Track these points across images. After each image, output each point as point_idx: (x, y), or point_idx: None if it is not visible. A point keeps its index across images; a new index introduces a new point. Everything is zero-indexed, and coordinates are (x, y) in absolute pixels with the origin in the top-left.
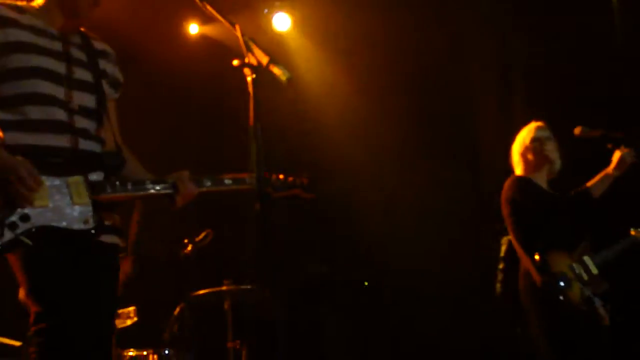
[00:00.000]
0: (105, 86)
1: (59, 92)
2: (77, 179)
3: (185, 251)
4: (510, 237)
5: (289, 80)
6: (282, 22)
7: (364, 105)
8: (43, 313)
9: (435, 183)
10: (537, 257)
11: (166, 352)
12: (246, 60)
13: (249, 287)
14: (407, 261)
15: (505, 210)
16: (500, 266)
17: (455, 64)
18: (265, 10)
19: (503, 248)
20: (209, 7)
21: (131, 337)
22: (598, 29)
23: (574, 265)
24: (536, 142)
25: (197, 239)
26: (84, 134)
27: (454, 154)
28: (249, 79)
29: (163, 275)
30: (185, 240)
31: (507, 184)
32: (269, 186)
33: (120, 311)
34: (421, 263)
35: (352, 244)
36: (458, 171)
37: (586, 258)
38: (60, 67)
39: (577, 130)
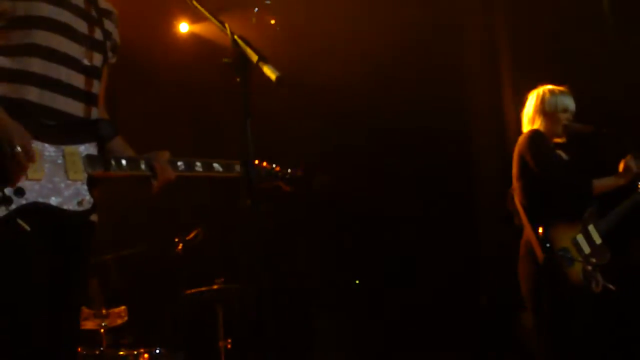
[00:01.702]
0: (108, 47)
1: (74, 50)
2: (74, 150)
3: (176, 250)
4: (516, 202)
5: (279, 78)
6: (270, 20)
7: (355, 99)
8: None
9: (428, 174)
10: (540, 230)
11: (157, 351)
12: (236, 58)
13: (239, 285)
14: (399, 255)
15: (516, 169)
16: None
17: (443, 44)
18: (256, 9)
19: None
20: (198, 6)
21: (122, 336)
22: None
23: (578, 237)
24: (565, 114)
25: (187, 238)
26: (91, 97)
27: (445, 143)
28: (238, 78)
29: (154, 275)
30: (176, 239)
31: (522, 139)
32: (255, 175)
33: (111, 311)
34: (414, 258)
35: (343, 241)
36: (450, 160)
37: (591, 227)
38: (78, 23)
39: (567, 127)
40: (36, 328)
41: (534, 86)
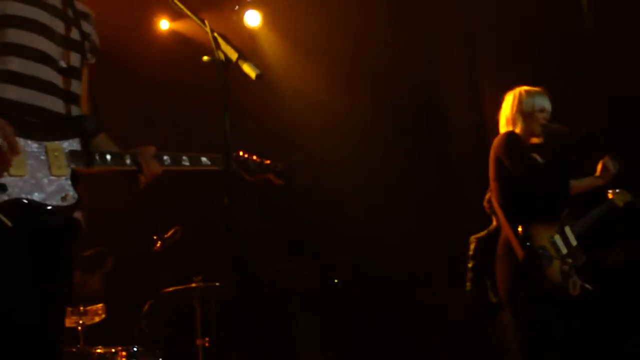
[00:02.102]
0: (86, 48)
1: (51, 48)
2: (57, 145)
3: (154, 248)
4: (494, 203)
5: (258, 76)
6: (252, 18)
7: (334, 98)
8: None
9: (409, 173)
10: (520, 229)
11: (135, 349)
12: (216, 56)
13: (217, 284)
14: (381, 254)
15: (492, 171)
16: (469, 265)
17: (422, 50)
18: (236, 7)
19: (472, 246)
20: (178, 4)
21: (99, 334)
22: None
23: (555, 238)
24: (542, 114)
25: (165, 236)
26: (71, 95)
27: (425, 142)
28: (218, 75)
29: (132, 272)
30: (154, 237)
31: (497, 140)
32: (244, 168)
33: (88, 308)
34: (396, 256)
35: (325, 238)
36: (430, 158)
37: (567, 229)
38: (53, 22)
39: (544, 127)
40: (21, 326)
41: (511, 87)
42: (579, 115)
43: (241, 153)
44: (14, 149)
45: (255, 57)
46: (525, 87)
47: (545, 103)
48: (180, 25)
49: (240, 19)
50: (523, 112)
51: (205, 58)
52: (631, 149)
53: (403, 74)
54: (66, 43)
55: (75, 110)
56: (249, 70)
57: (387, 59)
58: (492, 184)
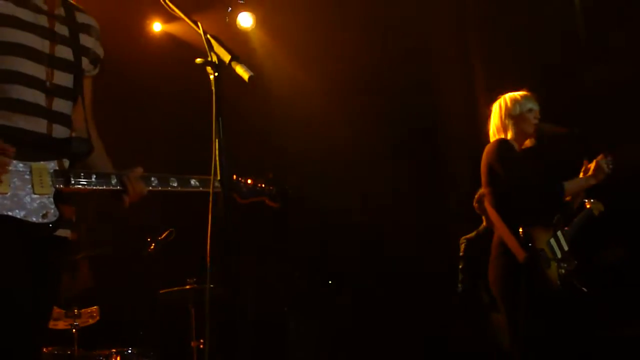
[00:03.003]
0: (85, 62)
1: (38, 71)
2: (42, 166)
3: (148, 250)
4: (487, 206)
5: (251, 78)
6: (245, 20)
7: (327, 98)
8: None
9: (402, 178)
10: (520, 231)
11: (129, 351)
12: (208, 58)
13: (212, 285)
14: (374, 258)
15: (484, 178)
16: (460, 265)
17: (419, 53)
18: (229, 9)
19: (462, 247)
20: (171, 5)
21: (94, 336)
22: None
23: (551, 241)
24: (531, 114)
25: (160, 238)
26: (59, 117)
27: (420, 142)
28: (211, 77)
29: (126, 274)
30: (148, 239)
31: (488, 148)
32: (236, 191)
33: (83, 310)
34: (388, 258)
35: (317, 242)
36: (423, 161)
37: (559, 234)
38: (41, 44)
39: (538, 126)
40: (6, 338)
41: (506, 90)
42: (573, 117)
43: (234, 177)
44: (5, 170)
45: (248, 59)
46: (510, 93)
47: (531, 103)
48: (173, 27)
49: (233, 21)
50: (512, 116)
51: (198, 60)
52: (626, 148)
53: (397, 75)
54: (57, 64)
55: (58, 130)
56: (242, 72)
57: (381, 60)
58: (485, 189)
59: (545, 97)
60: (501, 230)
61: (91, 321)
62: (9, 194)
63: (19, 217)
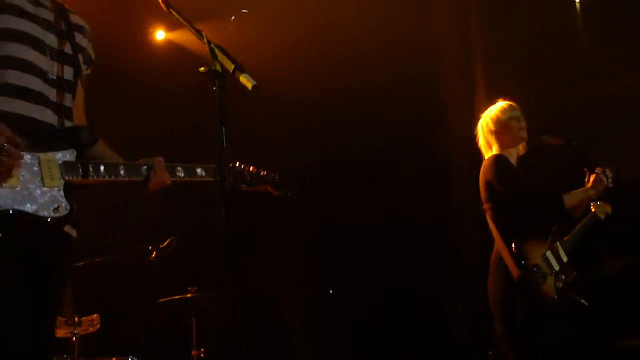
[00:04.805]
0: (81, 60)
1: (41, 60)
2: (50, 157)
3: (150, 258)
4: (489, 223)
5: (255, 88)
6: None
7: (330, 106)
8: None
9: (406, 181)
10: (513, 247)
11: (129, 359)
12: (212, 67)
13: (213, 294)
14: (374, 261)
15: (483, 194)
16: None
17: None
18: (232, 18)
19: None
20: (176, 14)
21: (95, 344)
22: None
23: (547, 254)
24: (513, 120)
25: (161, 246)
26: (62, 108)
27: (423, 149)
28: (214, 87)
29: (127, 282)
30: (150, 247)
31: (485, 165)
32: (241, 180)
33: (84, 318)
34: (388, 263)
35: (320, 246)
36: (428, 168)
37: (557, 245)
38: (44, 35)
39: (538, 140)
40: (12, 336)
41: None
42: (573, 128)
43: (237, 164)
44: (18, 162)
45: (251, 68)
46: (489, 109)
47: (512, 112)
48: (176, 36)
49: (236, 30)
50: (495, 130)
51: (201, 69)
52: (625, 161)
53: (400, 77)
54: (57, 56)
55: (62, 121)
56: (245, 81)
57: (384, 65)
58: (485, 205)
59: (546, 109)
60: (499, 245)
61: (91, 329)
62: (19, 187)
63: (30, 211)
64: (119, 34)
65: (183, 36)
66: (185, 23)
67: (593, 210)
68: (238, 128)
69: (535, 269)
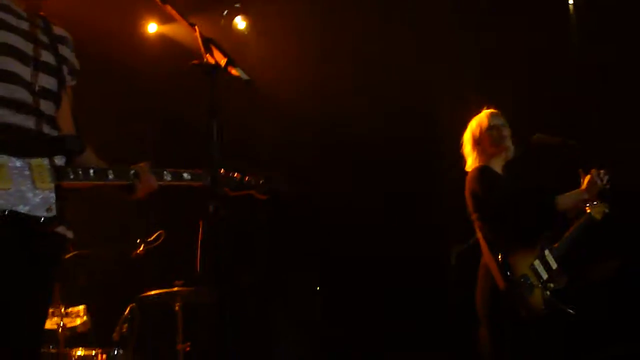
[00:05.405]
0: (65, 71)
1: (24, 72)
2: (40, 162)
3: (137, 251)
4: (476, 230)
5: (247, 82)
6: (242, 23)
7: (324, 105)
8: None
9: (399, 181)
10: (499, 258)
11: (115, 352)
12: (205, 61)
13: (199, 288)
14: (367, 259)
15: (469, 205)
16: (451, 276)
17: (415, 62)
18: (225, 12)
19: (453, 258)
20: (169, 7)
21: (80, 336)
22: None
23: (535, 263)
24: (493, 130)
25: (149, 240)
26: (47, 117)
27: (416, 150)
28: (207, 80)
29: (114, 275)
30: (137, 241)
31: (470, 176)
32: (225, 185)
33: (69, 310)
34: (381, 261)
35: (310, 243)
36: (422, 168)
37: (546, 252)
38: (26, 47)
39: (534, 138)
40: (3, 324)
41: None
42: (569, 131)
43: (222, 171)
44: None
45: (243, 62)
46: (473, 118)
47: (492, 121)
48: (168, 29)
49: (229, 24)
50: (475, 141)
51: (193, 62)
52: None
53: (396, 79)
54: (41, 66)
55: (48, 130)
56: (238, 75)
57: (380, 64)
58: (472, 215)
59: (541, 109)
60: (486, 255)
61: (78, 320)
62: (11, 189)
63: (23, 211)
64: (111, 26)
65: (175, 29)
66: (177, 16)
67: (588, 211)
68: (230, 123)
69: (522, 279)
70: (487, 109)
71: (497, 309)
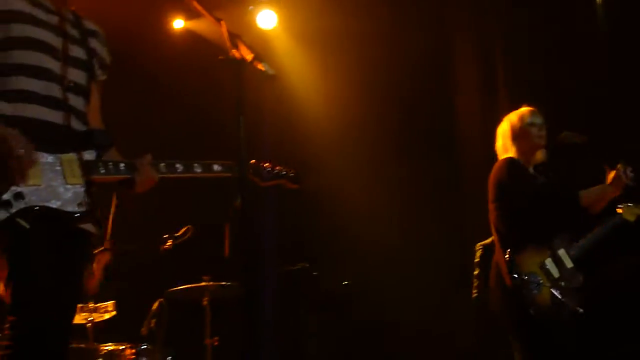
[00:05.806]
0: (95, 65)
1: (55, 66)
2: (71, 157)
3: (165, 246)
4: (491, 225)
5: (272, 77)
6: (266, 19)
7: (346, 101)
8: (19, 305)
9: (418, 178)
10: (507, 256)
11: (143, 347)
12: (231, 56)
13: (228, 283)
14: (390, 258)
15: (491, 194)
16: (475, 272)
17: (439, 60)
18: (251, 7)
19: (478, 254)
20: (194, 3)
21: (109, 331)
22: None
23: (547, 262)
24: (533, 127)
25: (177, 235)
26: (76, 112)
27: (435, 148)
28: (233, 75)
29: (142, 270)
30: (165, 236)
31: (498, 165)
32: (256, 175)
33: (98, 305)
34: (404, 260)
35: (336, 241)
36: (439, 165)
37: (561, 252)
38: (56, 42)
39: (561, 136)
40: (37, 317)
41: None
42: (597, 124)
43: (253, 161)
44: (31, 158)
45: (269, 58)
46: (510, 114)
47: (534, 118)
48: (194, 25)
49: (254, 20)
50: (512, 137)
51: (220, 58)
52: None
53: (419, 77)
54: (71, 61)
55: (77, 125)
56: (264, 70)
57: (403, 61)
58: (490, 206)
59: (569, 110)
60: (497, 250)
61: (107, 315)
62: (43, 185)
63: (54, 207)
64: (138, 22)
65: (201, 25)
66: (204, 12)
67: (620, 212)
68: (256, 118)
69: (526, 277)
70: (527, 106)
71: (507, 305)
